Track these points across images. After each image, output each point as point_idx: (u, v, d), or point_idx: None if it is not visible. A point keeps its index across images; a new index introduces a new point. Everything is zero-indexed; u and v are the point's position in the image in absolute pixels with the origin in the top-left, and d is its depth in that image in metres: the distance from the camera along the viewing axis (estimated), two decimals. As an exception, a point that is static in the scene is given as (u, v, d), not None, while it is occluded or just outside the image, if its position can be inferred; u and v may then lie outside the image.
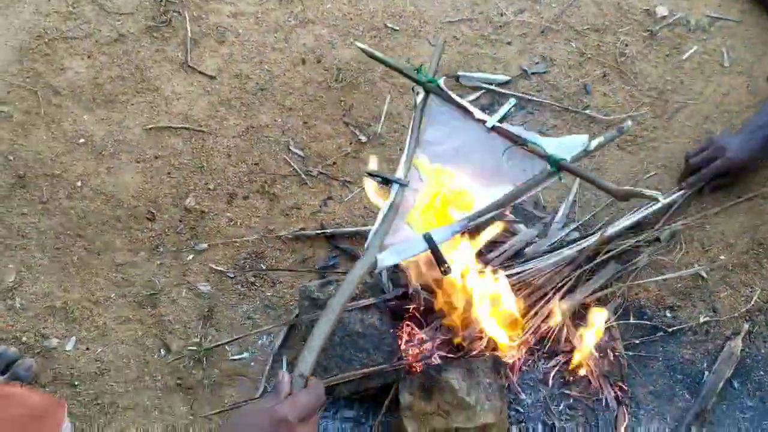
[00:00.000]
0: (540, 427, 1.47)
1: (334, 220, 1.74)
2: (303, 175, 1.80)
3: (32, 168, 1.81)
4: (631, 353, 1.55)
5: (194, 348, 1.58)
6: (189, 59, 1.99)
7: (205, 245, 1.71)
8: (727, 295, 1.61)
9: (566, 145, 1.12)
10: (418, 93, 1.29)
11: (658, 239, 1.67)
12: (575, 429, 1.47)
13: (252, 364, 1.57)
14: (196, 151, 1.85)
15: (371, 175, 1.23)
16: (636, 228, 1.66)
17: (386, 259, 1.06)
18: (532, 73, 1.95)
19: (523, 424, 1.48)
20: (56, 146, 1.85)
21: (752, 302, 1.58)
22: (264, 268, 1.68)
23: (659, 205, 1.56)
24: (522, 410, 1.49)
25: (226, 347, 1.59)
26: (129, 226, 1.74)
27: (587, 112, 1.87)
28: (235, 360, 1.57)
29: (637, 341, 1.56)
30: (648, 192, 1.00)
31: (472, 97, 1.91)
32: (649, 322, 1.58)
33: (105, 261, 1.70)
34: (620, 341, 1.55)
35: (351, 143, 1.86)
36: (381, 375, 1.37)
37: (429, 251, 1.09)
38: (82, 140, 1.86)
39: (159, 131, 1.88)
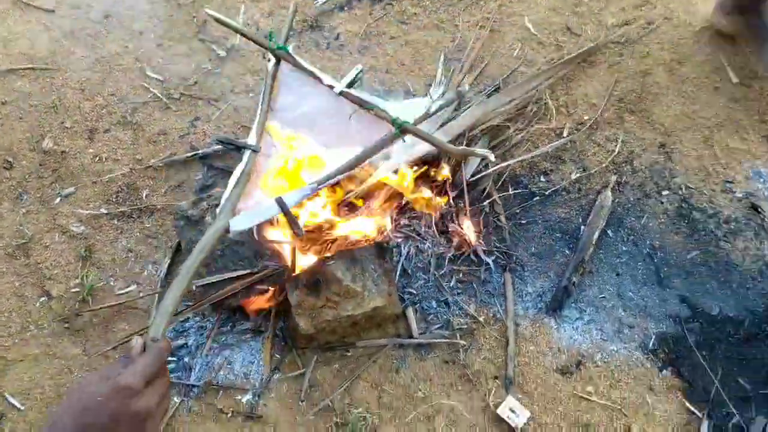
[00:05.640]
0: (434, 304, 1.51)
1: (204, 141, 1.69)
2: (165, 99, 1.73)
3: None
4: (512, 222, 1.60)
5: (77, 289, 1.52)
6: (22, -5, 1.85)
7: (72, 188, 1.63)
8: (594, 151, 1.67)
9: (410, 109, 1.18)
10: (269, 60, 1.31)
11: (525, 106, 1.71)
12: (467, 300, 1.52)
13: (140, 294, 1.53)
14: (46, 91, 1.73)
15: (222, 142, 1.23)
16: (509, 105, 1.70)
17: (239, 224, 1.07)
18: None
19: (418, 304, 1.51)
20: None
21: (616, 152, 1.65)
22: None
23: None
24: (415, 292, 1.52)
25: (111, 283, 1.54)
26: (-15, 179, 1.64)
27: None
28: (122, 294, 1.53)
29: (518, 210, 1.61)
30: (480, 151, 1.12)
31: None
32: (526, 189, 1.63)
33: (-35, 218, 1.60)
34: (503, 214, 1.60)
35: (210, 59, 1.79)
36: (268, 278, 1.36)
37: (281, 214, 1.12)
38: None
39: (2, 75, 1.75)
